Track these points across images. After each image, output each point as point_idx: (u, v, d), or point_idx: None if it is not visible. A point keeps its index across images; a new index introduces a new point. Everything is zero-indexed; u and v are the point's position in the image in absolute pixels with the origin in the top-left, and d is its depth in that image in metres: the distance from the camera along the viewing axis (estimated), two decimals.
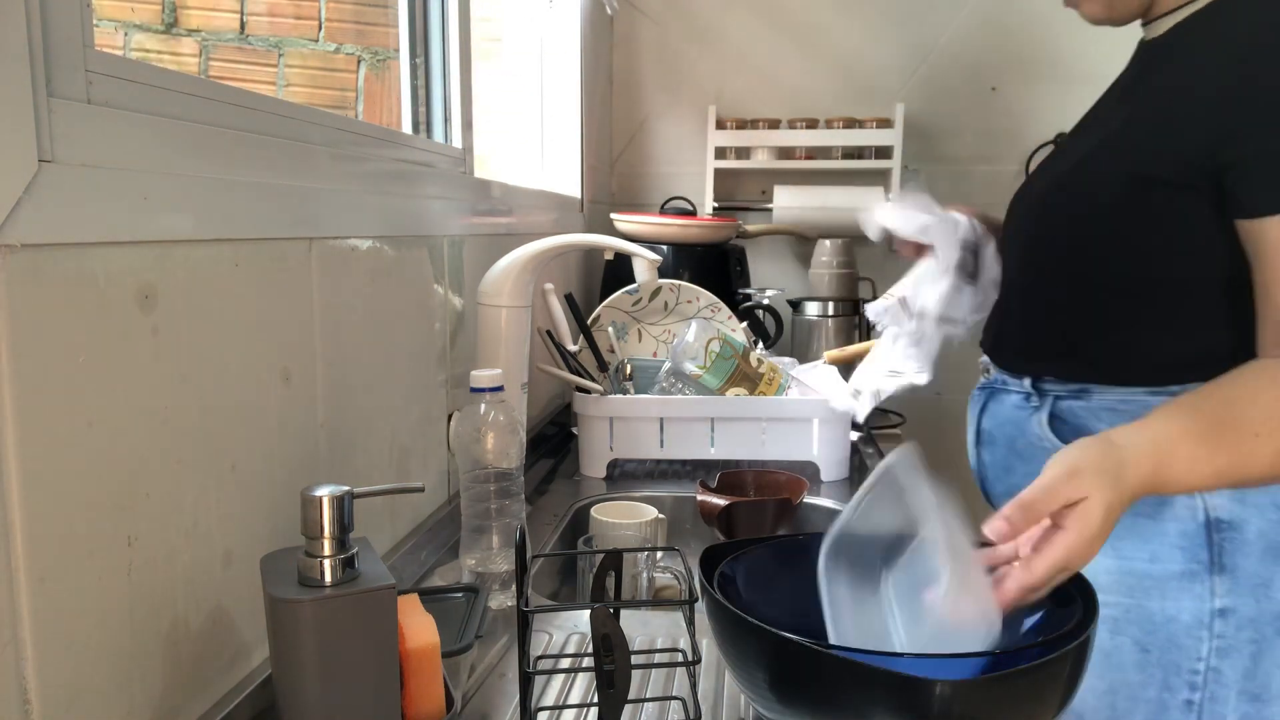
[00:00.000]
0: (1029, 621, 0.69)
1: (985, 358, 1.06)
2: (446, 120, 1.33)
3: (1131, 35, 1.01)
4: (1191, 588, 0.88)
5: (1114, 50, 1.09)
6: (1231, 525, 0.87)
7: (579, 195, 2.04)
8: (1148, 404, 0.86)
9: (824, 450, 1.45)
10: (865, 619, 0.73)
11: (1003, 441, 1.01)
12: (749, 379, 1.09)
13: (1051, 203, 0.96)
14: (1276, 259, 0.79)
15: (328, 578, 0.60)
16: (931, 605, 0.65)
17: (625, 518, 1.09)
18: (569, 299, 1.48)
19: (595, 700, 0.66)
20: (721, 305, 1.57)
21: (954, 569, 0.61)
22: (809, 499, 1.32)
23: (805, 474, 1.31)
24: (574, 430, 1.56)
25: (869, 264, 2.12)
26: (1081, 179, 0.93)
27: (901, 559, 0.73)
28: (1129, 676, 0.91)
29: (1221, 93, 0.82)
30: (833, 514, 1.33)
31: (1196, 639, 0.88)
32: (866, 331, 2.02)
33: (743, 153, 2.21)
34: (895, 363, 1.06)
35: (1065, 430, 0.93)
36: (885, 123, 2.12)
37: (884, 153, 2.12)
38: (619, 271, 1.88)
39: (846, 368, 1.77)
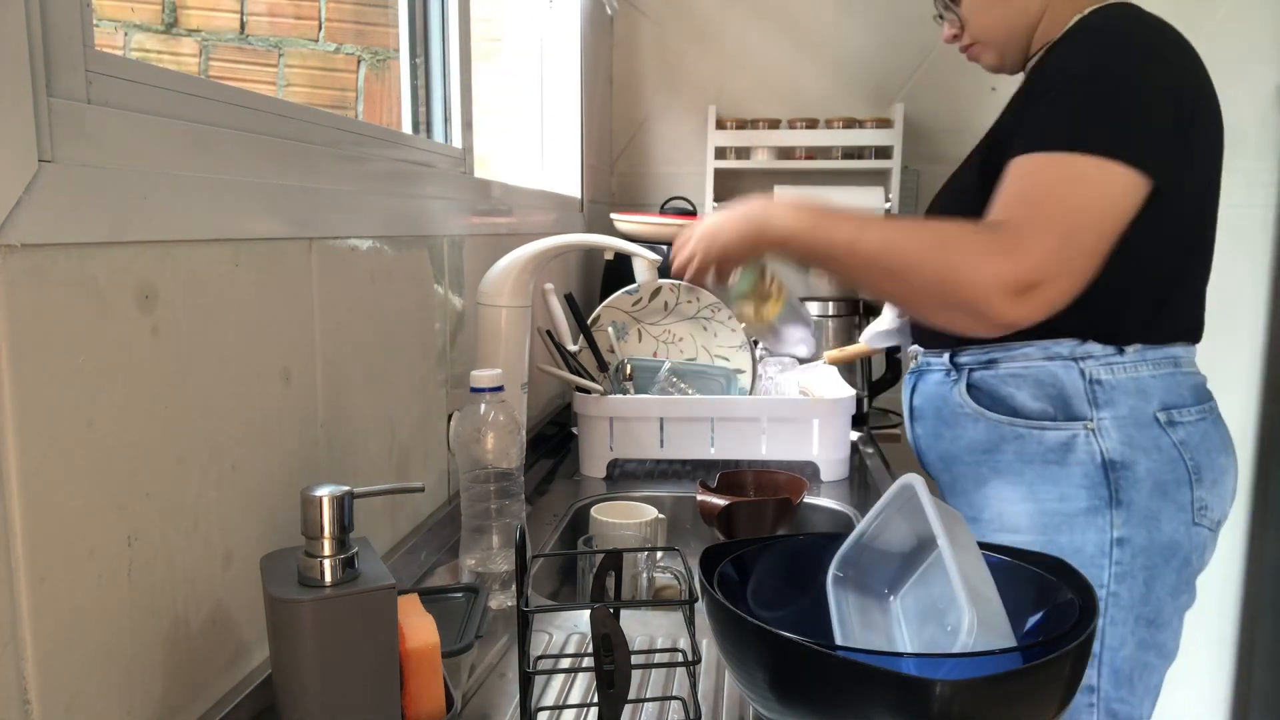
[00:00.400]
0: (1029, 621, 0.69)
1: (914, 347, 1.22)
2: (446, 120, 1.33)
3: None
4: (1094, 520, 1.02)
5: None
6: (1124, 465, 1.01)
7: (579, 195, 2.04)
8: (1045, 367, 1.04)
9: (824, 450, 1.45)
10: (873, 633, 0.73)
11: (930, 413, 1.16)
12: (760, 296, 1.16)
13: (953, 194, 1.14)
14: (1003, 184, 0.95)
15: (328, 578, 0.60)
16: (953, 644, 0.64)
17: (625, 518, 1.09)
18: (569, 299, 1.48)
19: (595, 700, 0.66)
20: (721, 305, 1.57)
21: (979, 613, 0.61)
22: (809, 499, 1.32)
23: (805, 474, 1.31)
24: (574, 430, 1.56)
25: None
26: (958, 184, 1.12)
27: (912, 579, 0.74)
28: None
29: (1028, 93, 1.01)
30: (833, 514, 1.33)
31: (1099, 566, 1.02)
32: None
33: (743, 153, 2.21)
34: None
35: (981, 396, 1.09)
36: (885, 123, 2.12)
37: (884, 153, 2.12)
38: (619, 271, 1.88)
39: (847, 368, 1.78)
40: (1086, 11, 1.03)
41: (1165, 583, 1.03)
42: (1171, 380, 1.03)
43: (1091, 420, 1.02)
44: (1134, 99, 0.93)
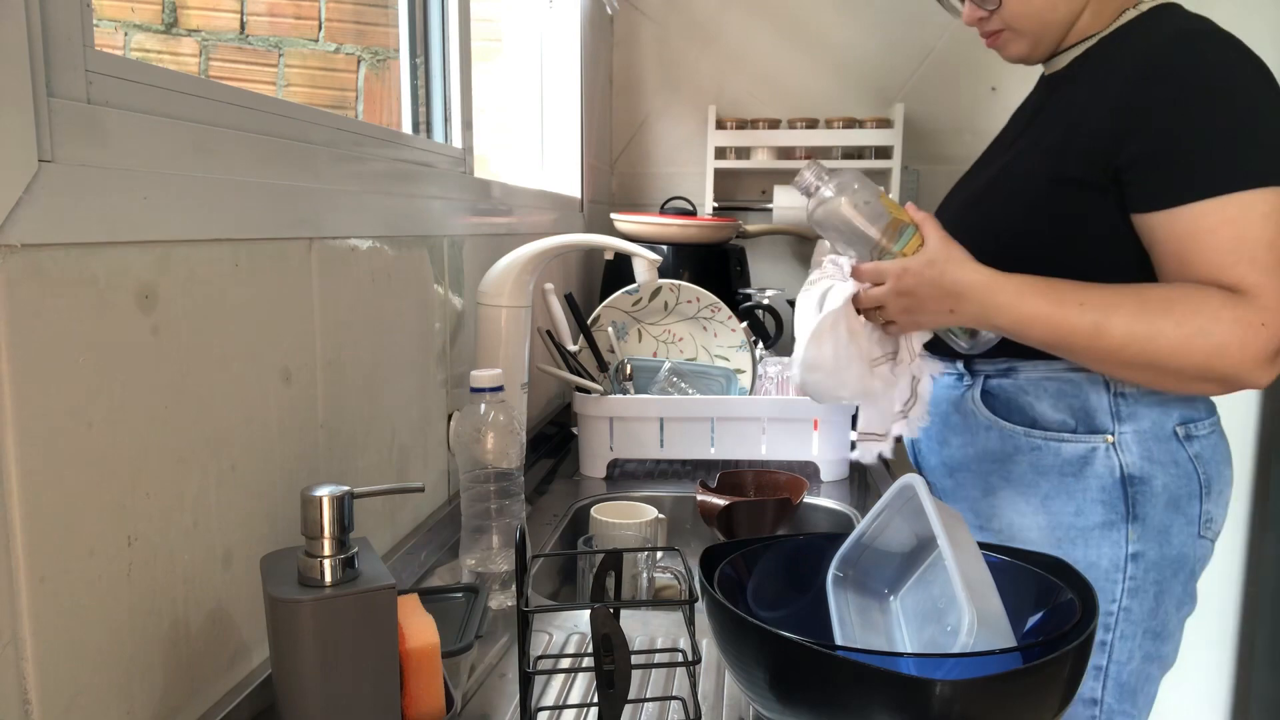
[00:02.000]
0: (1029, 621, 0.69)
1: None
2: (446, 120, 1.33)
3: None
4: (1109, 535, 1.01)
5: None
6: (1143, 480, 1.00)
7: (579, 195, 2.04)
8: (1068, 378, 1.02)
9: (824, 450, 1.45)
10: (873, 633, 0.73)
11: (936, 419, 1.13)
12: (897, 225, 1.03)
13: (978, 207, 1.09)
14: (1165, 249, 0.93)
15: (328, 578, 0.60)
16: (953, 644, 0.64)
17: (625, 518, 1.09)
18: (569, 299, 1.48)
19: (595, 700, 0.66)
20: (721, 305, 1.57)
21: (979, 613, 0.61)
22: (809, 499, 1.32)
23: (805, 474, 1.31)
24: (574, 430, 1.56)
25: None
26: (1004, 185, 1.06)
27: (912, 579, 0.74)
28: None
29: (1116, 107, 0.94)
30: (833, 514, 1.33)
31: (1113, 581, 1.01)
32: None
33: (743, 153, 2.21)
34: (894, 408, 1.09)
35: (997, 404, 1.07)
36: (885, 123, 2.12)
37: (884, 153, 2.12)
38: (619, 271, 1.88)
39: None
40: (1143, 8, 1.00)
41: (1173, 595, 1.02)
42: (1189, 394, 1.02)
43: (1112, 434, 1.01)
44: (1275, 119, 0.90)
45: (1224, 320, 0.87)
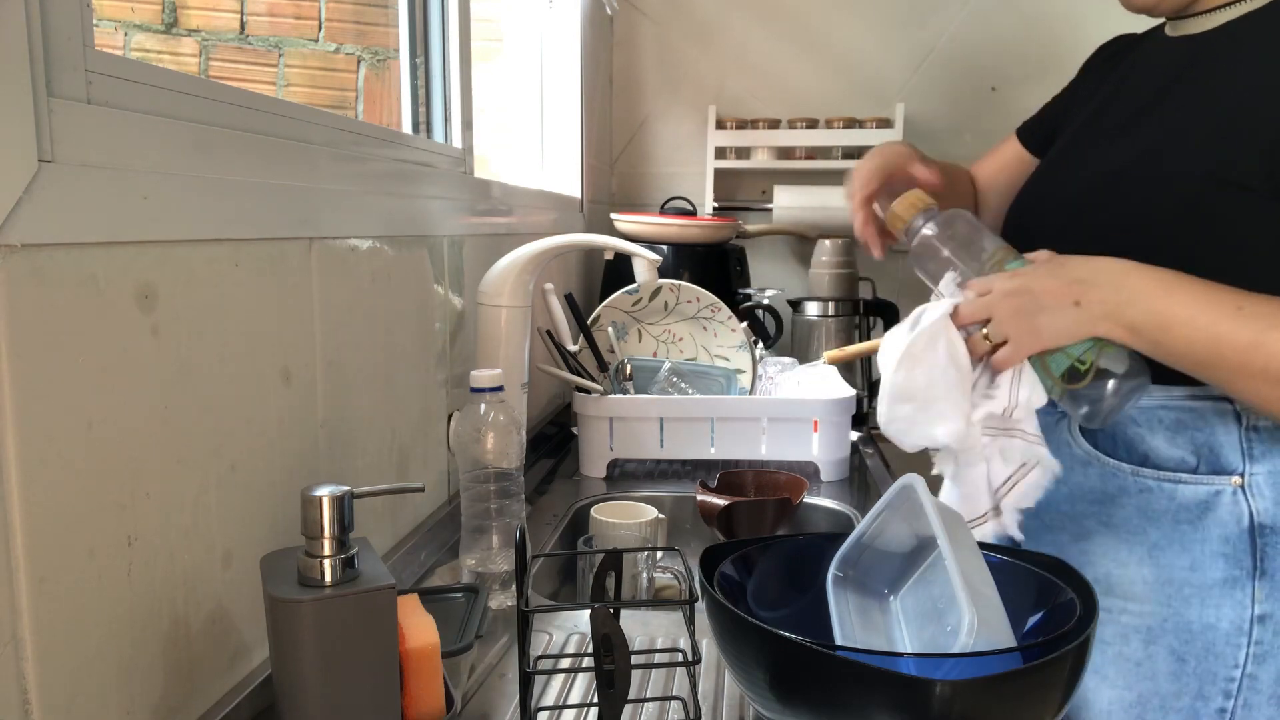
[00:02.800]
0: (1029, 621, 0.69)
1: None
2: (446, 120, 1.33)
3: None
4: (1232, 594, 0.86)
5: None
6: (1275, 530, 0.84)
7: (579, 195, 2.04)
8: (1191, 406, 0.86)
9: (824, 450, 1.45)
10: (873, 633, 0.73)
11: None
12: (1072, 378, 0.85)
13: (1098, 205, 0.90)
14: None
15: (328, 578, 0.60)
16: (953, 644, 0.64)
17: (625, 518, 1.09)
18: (569, 299, 1.48)
19: (595, 700, 0.66)
20: (721, 305, 1.57)
21: (979, 613, 0.61)
22: (809, 499, 1.32)
23: (805, 474, 1.31)
24: (574, 430, 1.56)
25: (869, 264, 2.11)
26: (1138, 181, 0.87)
27: (912, 579, 0.74)
28: (1161, 686, 0.89)
29: None
30: (833, 514, 1.33)
31: (1235, 646, 0.86)
32: (867, 331, 2.03)
33: (743, 153, 2.21)
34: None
35: (1100, 436, 0.91)
36: (885, 123, 2.12)
37: None
38: (619, 271, 1.88)
39: (847, 368, 1.78)
40: None
41: None
42: None
43: (1243, 475, 0.85)
44: None
45: None
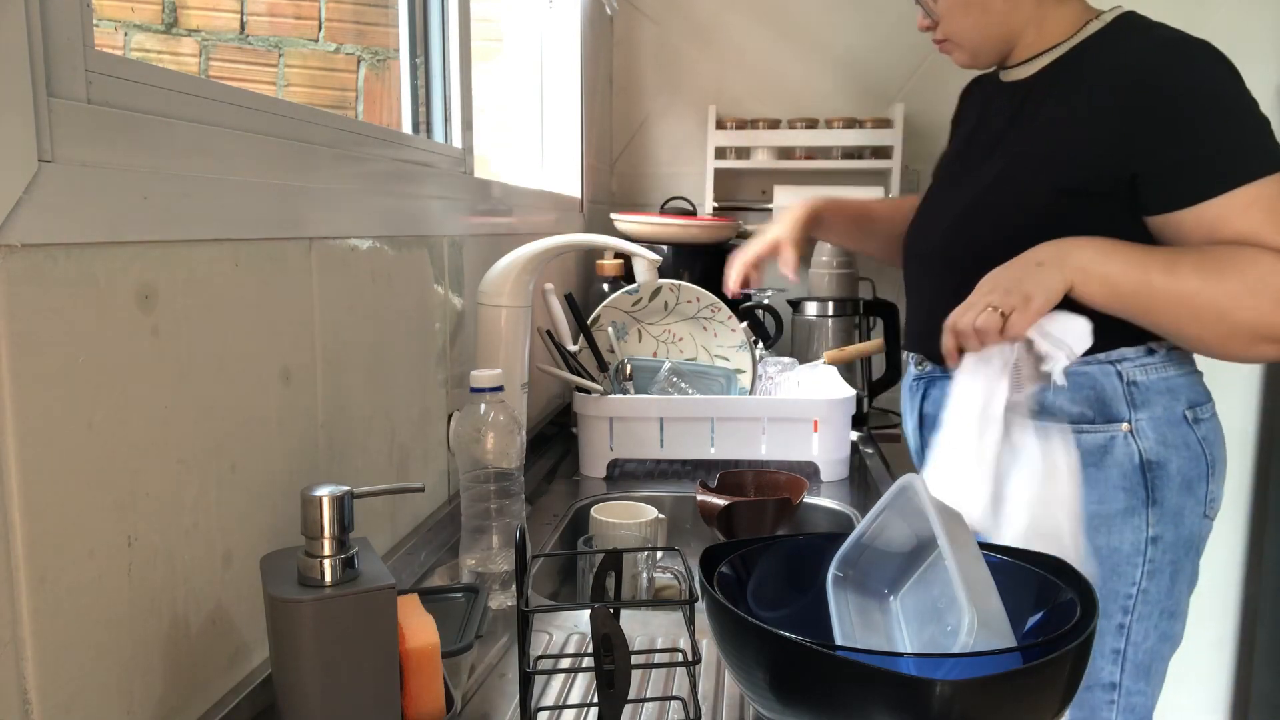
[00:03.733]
0: (1029, 621, 0.69)
1: (915, 354, 1.20)
2: (446, 120, 1.33)
3: None
4: (1131, 521, 1.04)
5: None
6: (1159, 464, 1.03)
7: (579, 195, 2.04)
8: (1081, 370, 1.03)
9: (824, 450, 1.45)
10: (873, 633, 0.73)
11: None
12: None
13: (975, 219, 1.10)
14: (1195, 237, 0.96)
15: (328, 578, 0.60)
16: (953, 644, 0.64)
17: (625, 518, 1.09)
18: (569, 299, 1.48)
19: (595, 700, 0.66)
20: (721, 305, 1.57)
21: (979, 613, 0.61)
22: (809, 499, 1.32)
23: (805, 474, 1.31)
24: (574, 430, 1.56)
25: (869, 264, 2.12)
26: (1006, 195, 1.07)
27: (912, 579, 0.74)
28: None
29: (1117, 118, 0.98)
30: (833, 514, 1.33)
31: (1134, 565, 1.04)
32: (866, 332, 2.02)
33: (743, 153, 2.21)
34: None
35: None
36: (885, 123, 2.12)
37: (883, 153, 2.12)
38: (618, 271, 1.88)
39: (847, 368, 1.78)
40: (1106, 20, 1.05)
41: (1185, 574, 1.06)
42: (1192, 379, 1.07)
43: (1129, 421, 1.04)
44: (1256, 108, 0.97)
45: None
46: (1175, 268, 0.94)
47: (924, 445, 1.19)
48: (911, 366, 1.23)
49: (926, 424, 1.19)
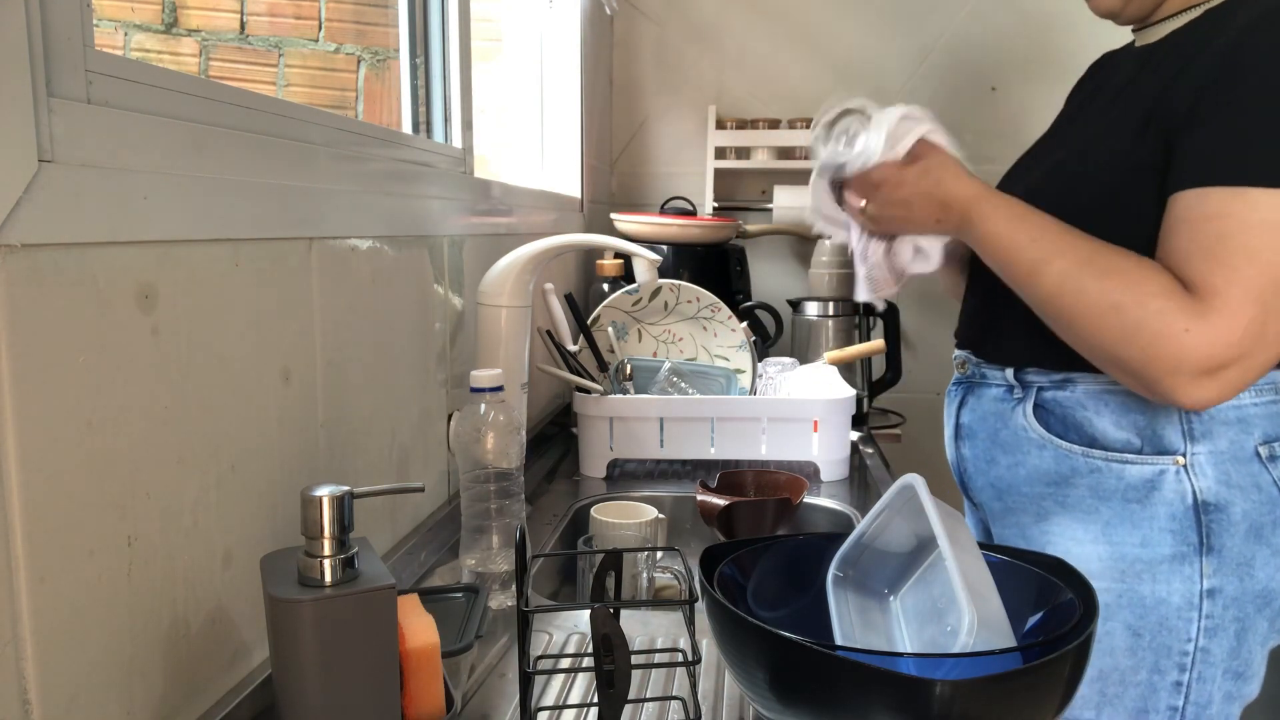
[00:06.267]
0: (1029, 621, 0.69)
1: (961, 353, 1.08)
2: (446, 120, 1.33)
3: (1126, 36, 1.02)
4: (1181, 570, 0.90)
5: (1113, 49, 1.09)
6: (1218, 507, 0.89)
7: (579, 195, 2.04)
8: (1132, 391, 0.89)
9: (824, 450, 1.45)
10: (873, 633, 0.73)
11: (984, 435, 1.03)
12: None
13: (1049, 189, 0.95)
14: (1160, 230, 0.84)
15: (328, 578, 0.60)
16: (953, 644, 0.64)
17: (625, 518, 1.09)
18: (569, 299, 1.48)
19: (595, 700, 0.66)
20: (721, 305, 1.57)
21: (979, 613, 0.61)
22: (809, 499, 1.32)
23: (805, 474, 1.31)
24: (574, 430, 1.56)
25: None
26: (1069, 175, 0.95)
27: (912, 579, 0.74)
28: (1119, 661, 0.92)
29: (1199, 86, 0.83)
30: (833, 514, 1.33)
31: (1186, 620, 0.90)
32: (867, 332, 2.02)
33: (743, 153, 2.21)
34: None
35: (1051, 420, 0.96)
36: None
37: None
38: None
39: (847, 368, 1.78)
40: None
41: (1257, 633, 0.92)
42: (1274, 408, 0.90)
43: (1184, 455, 0.89)
44: None
45: (1149, 307, 0.79)
46: (1045, 265, 0.85)
47: (960, 459, 1.08)
48: (955, 371, 1.09)
49: (964, 434, 1.06)
